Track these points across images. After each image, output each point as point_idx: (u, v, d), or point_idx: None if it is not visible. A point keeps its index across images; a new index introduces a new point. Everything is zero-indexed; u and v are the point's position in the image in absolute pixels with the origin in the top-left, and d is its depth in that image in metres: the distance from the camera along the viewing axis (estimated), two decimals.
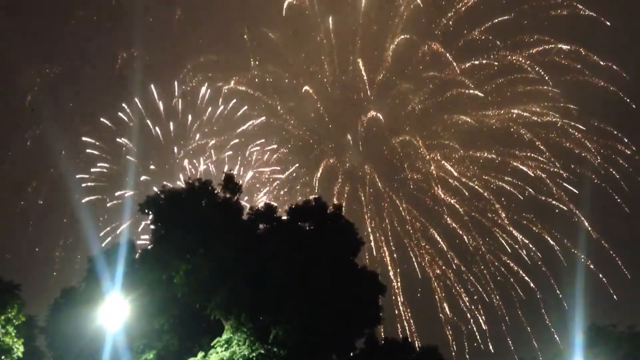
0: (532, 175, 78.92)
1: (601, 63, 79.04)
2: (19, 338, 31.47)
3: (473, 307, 76.89)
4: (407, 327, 76.79)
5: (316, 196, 35.27)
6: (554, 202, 77.82)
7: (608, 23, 78.68)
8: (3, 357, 30.78)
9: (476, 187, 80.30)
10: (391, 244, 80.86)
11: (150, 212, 33.12)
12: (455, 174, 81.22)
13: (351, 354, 34.76)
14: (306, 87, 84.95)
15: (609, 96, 78.42)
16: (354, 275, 33.44)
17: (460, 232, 79.68)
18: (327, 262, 31.64)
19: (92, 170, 78.22)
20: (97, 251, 38.28)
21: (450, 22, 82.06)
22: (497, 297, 76.74)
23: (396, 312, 77.07)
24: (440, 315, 77.49)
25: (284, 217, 34.27)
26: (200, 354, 30.33)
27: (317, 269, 31.17)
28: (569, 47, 79.05)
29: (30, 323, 34.54)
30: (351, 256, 34.40)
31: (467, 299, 77.28)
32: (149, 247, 33.68)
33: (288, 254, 31.32)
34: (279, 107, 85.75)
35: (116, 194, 77.92)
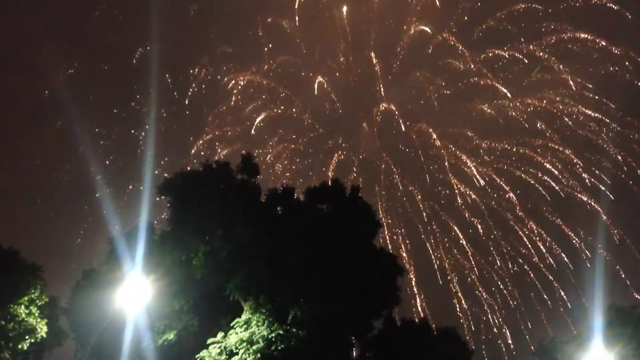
0: (549, 166, 78.09)
1: (617, 52, 77.58)
2: (42, 318, 32.03)
3: (488, 296, 76.91)
4: (422, 314, 76.91)
5: (334, 178, 35.24)
6: (571, 191, 77.12)
7: (627, 14, 77.12)
8: (27, 337, 31.39)
9: (493, 176, 79.85)
10: (405, 235, 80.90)
11: (168, 194, 33.29)
12: (471, 164, 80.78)
13: (369, 335, 34.89)
14: (320, 78, 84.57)
15: (626, 84, 77.12)
16: (372, 257, 33.43)
17: (475, 221, 79.35)
18: (345, 243, 31.66)
19: (110, 158, 78.71)
20: (117, 233, 38.57)
21: (466, 12, 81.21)
22: (512, 286, 76.53)
23: (412, 301, 77.28)
24: (455, 302, 77.64)
25: (302, 199, 34.31)
26: (220, 335, 30.66)
27: (335, 250, 31.21)
28: (585, 36, 77.76)
29: (53, 304, 35.09)
30: (369, 237, 34.39)
31: (482, 288, 77.26)
32: (168, 229, 33.91)
33: (306, 236, 31.42)
34: (293, 98, 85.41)
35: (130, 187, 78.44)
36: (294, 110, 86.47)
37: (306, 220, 32.46)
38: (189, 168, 35.90)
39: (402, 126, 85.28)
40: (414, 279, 78.38)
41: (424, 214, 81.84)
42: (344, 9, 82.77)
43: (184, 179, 32.99)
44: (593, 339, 37.91)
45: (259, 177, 34.39)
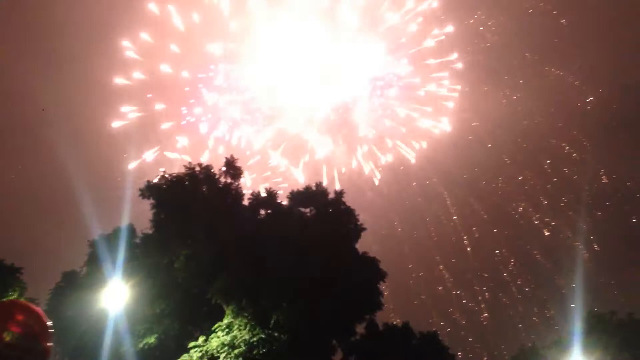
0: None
1: None
2: None
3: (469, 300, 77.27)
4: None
5: (317, 182, 35.23)
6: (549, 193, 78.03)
7: None
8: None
9: None
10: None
11: (151, 197, 33.07)
12: None
13: (351, 339, 34.89)
14: None
15: None
16: (354, 261, 33.46)
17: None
18: (328, 247, 31.66)
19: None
20: (97, 235, 38.13)
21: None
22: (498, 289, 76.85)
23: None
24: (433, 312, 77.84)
25: (285, 203, 34.27)
26: (202, 338, 30.52)
27: (318, 254, 31.21)
28: None
29: None
30: (352, 242, 34.41)
31: (463, 292, 77.59)
32: (150, 231, 33.68)
33: (289, 240, 31.37)
34: None
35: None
36: None
37: (289, 224, 32.43)
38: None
39: None
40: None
41: None
42: None
43: (166, 182, 32.80)
44: (573, 344, 38.32)
45: (241, 178, 34.28)
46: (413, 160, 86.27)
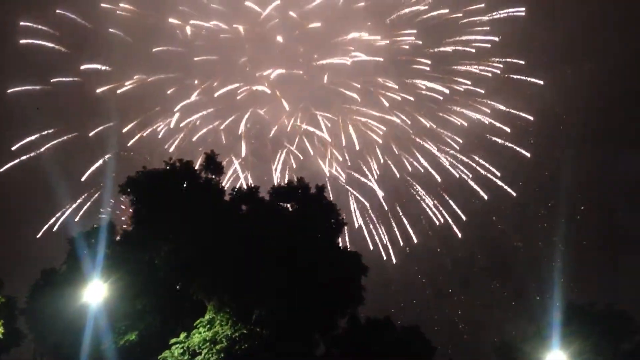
0: None
1: None
2: None
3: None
4: None
5: (299, 177, 35.19)
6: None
7: None
8: None
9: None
10: None
11: (131, 193, 32.80)
12: None
13: (334, 333, 34.98)
14: None
15: None
16: (336, 256, 33.54)
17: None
18: (310, 242, 31.71)
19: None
20: (76, 233, 37.83)
21: None
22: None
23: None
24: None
25: (267, 198, 34.20)
26: (183, 334, 30.38)
27: (299, 249, 31.23)
28: None
29: (10, 304, 34.28)
30: (334, 236, 34.50)
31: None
32: (130, 228, 33.43)
33: (270, 235, 31.32)
34: None
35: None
36: None
37: (271, 219, 32.38)
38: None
39: None
40: None
41: None
42: None
43: (146, 178, 32.52)
44: (552, 335, 38.81)
45: (222, 174, 34.13)
46: None
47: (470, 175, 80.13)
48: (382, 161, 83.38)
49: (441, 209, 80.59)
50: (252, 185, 34.80)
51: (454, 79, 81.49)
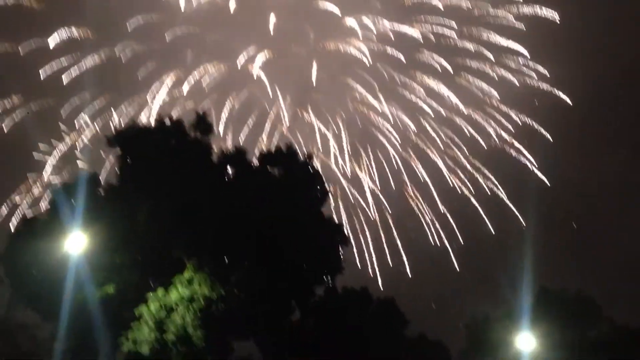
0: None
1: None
2: None
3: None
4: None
5: (288, 143, 35.22)
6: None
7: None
8: None
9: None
10: None
11: (117, 146, 32.56)
12: None
13: (310, 301, 35.46)
14: None
15: None
16: (319, 224, 33.83)
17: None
18: (294, 209, 31.87)
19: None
20: (59, 183, 37.48)
21: None
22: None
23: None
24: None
25: (254, 162, 34.20)
26: (161, 290, 30.53)
27: (282, 215, 31.38)
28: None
29: None
30: (318, 205, 34.72)
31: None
32: (114, 182, 33.24)
33: (254, 199, 31.41)
34: None
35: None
36: None
37: (256, 184, 32.42)
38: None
39: None
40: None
41: None
42: None
43: (135, 133, 32.31)
44: (522, 316, 39.86)
45: (212, 134, 33.95)
46: None
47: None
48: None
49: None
50: (239, 148, 34.72)
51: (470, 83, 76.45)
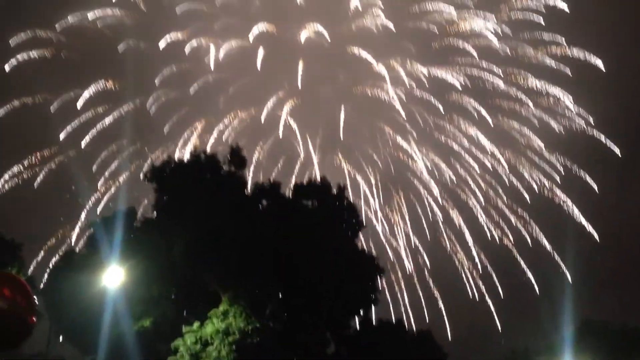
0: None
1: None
2: None
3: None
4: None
5: (321, 175, 35.38)
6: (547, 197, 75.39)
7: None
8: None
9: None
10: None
11: (154, 181, 33.18)
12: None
13: (345, 333, 35.10)
14: None
15: None
16: (353, 257, 33.67)
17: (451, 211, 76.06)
18: (329, 241, 31.83)
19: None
20: (98, 217, 38.29)
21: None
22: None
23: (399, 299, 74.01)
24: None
25: (288, 195, 34.41)
26: (196, 324, 30.63)
27: (317, 247, 31.36)
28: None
29: (30, 283, 34.71)
30: (352, 237, 34.63)
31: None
32: (152, 215, 33.81)
33: (289, 231, 31.50)
34: None
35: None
36: None
37: (291, 216, 32.56)
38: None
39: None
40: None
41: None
42: None
43: (171, 167, 32.91)
44: (564, 350, 38.73)
45: (245, 168, 34.38)
46: None
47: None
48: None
49: None
50: (274, 181, 35.02)
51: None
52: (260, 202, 33.82)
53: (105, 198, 71.20)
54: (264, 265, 30.60)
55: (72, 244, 63.08)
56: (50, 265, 37.67)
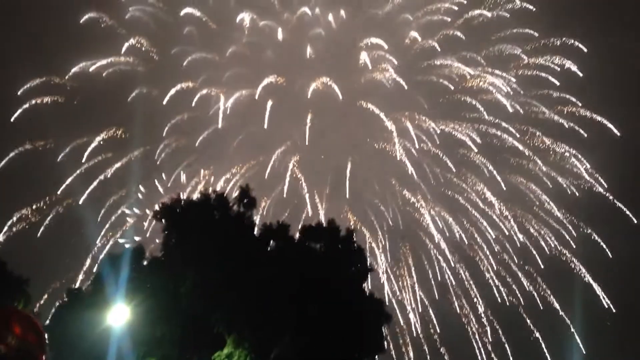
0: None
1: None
2: None
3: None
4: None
5: (330, 218, 35.37)
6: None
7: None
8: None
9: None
10: None
11: (163, 220, 33.29)
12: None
13: None
14: None
15: None
16: (361, 301, 33.31)
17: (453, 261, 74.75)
18: (336, 284, 31.57)
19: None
20: (103, 254, 38.32)
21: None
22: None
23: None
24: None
25: (296, 236, 34.34)
26: None
27: (324, 291, 31.09)
28: None
29: None
30: (360, 281, 34.34)
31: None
32: (159, 254, 33.79)
33: (296, 274, 31.31)
34: None
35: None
36: None
37: (298, 257, 32.42)
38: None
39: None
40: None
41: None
42: None
43: (180, 206, 33.05)
44: None
45: (255, 208, 34.45)
46: None
47: None
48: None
49: None
50: (282, 223, 35.00)
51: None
52: (269, 244, 33.77)
53: (112, 241, 71.72)
54: (269, 307, 30.33)
55: (78, 282, 63.14)
56: (56, 303, 37.23)
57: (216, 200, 33.34)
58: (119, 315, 30.12)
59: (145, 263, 34.73)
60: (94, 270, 37.44)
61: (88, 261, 68.56)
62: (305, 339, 29.79)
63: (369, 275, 35.47)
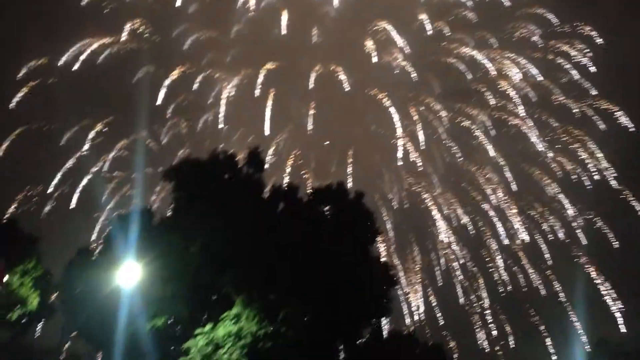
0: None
1: None
2: (35, 290, 31.83)
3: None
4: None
5: (339, 181, 35.16)
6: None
7: None
8: (17, 308, 31.22)
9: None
10: None
11: (172, 180, 33.24)
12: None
13: (356, 342, 34.77)
14: None
15: None
16: (367, 265, 33.38)
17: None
18: (344, 248, 31.61)
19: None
20: (114, 215, 38.47)
21: None
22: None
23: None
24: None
25: (305, 199, 34.25)
26: (209, 326, 30.52)
27: (332, 254, 31.16)
28: None
29: (47, 278, 34.91)
30: (367, 244, 34.32)
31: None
32: (168, 215, 33.85)
33: (305, 237, 31.36)
34: None
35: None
36: None
37: (307, 220, 32.39)
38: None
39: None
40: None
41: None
42: None
43: (189, 167, 32.93)
44: None
45: (264, 170, 34.29)
46: None
47: None
48: None
49: None
50: (291, 184, 34.91)
51: None
52: (277, 206, 33.72)
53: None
54: (279, 270, 30.48)
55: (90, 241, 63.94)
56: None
57: (225, 161, 33.17)
58: (129, 273, 30.35)
59: (154, 223, 34.80)
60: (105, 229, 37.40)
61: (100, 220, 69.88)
62: (312, 302, 29.96)
63: (375, 238, 35.30)
